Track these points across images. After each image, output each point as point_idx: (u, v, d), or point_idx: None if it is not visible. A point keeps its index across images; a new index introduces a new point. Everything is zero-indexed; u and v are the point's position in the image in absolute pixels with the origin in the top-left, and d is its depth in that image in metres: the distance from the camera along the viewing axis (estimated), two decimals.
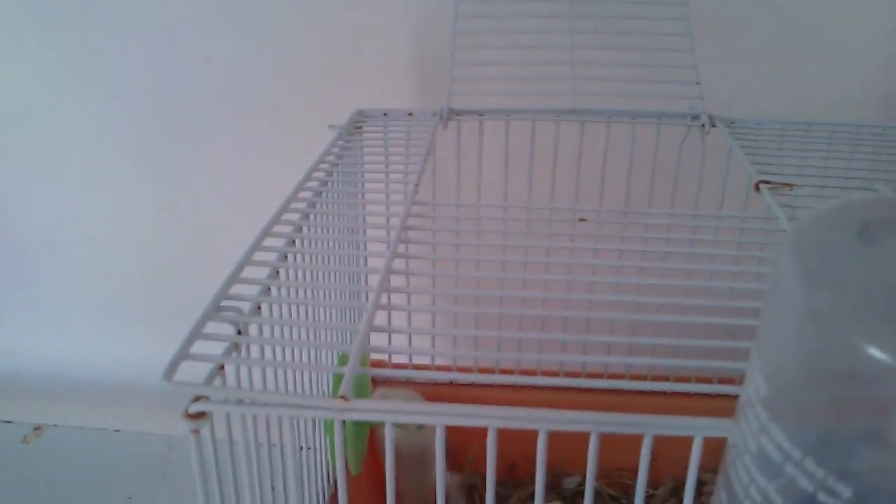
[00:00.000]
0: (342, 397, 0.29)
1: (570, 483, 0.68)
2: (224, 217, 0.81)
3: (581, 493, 0.68)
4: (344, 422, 0.45)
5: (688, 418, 0.29)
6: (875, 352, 0.18)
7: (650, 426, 0.29)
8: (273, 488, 0.38)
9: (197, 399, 0.31)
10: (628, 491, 0.68)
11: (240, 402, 0.30)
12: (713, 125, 0.58)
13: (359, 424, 0.49)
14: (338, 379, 0.52)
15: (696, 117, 0.59)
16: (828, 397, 0.20)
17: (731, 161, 0.58)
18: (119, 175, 0.81)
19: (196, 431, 0.31)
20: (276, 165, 0.75)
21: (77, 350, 0.90)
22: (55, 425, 0.85)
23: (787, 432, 0.21)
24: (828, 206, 0.23)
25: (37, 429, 0.84)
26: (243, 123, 0.76)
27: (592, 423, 0.29)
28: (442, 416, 0.29)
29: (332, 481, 0.56)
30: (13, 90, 0.78)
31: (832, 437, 0.20)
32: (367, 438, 0.53)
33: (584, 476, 0.68)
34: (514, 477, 0.67)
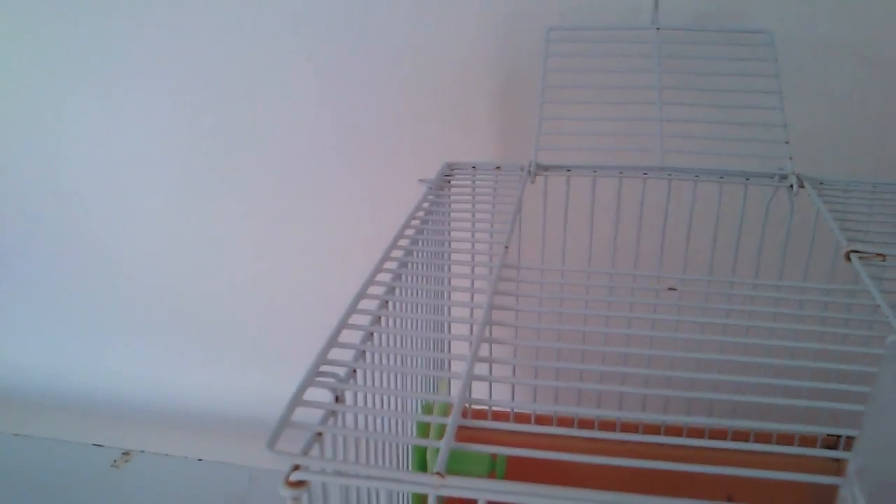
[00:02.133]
0: (438, 474, 0.30)
1: None
2: (314, 261, 0.83)
3: None
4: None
5: None
6: None
7: None
8: None
9: (296, 468, 0.32)
10: None
11: (338, 473, 0.31)
12: (801, 186, 0.58)
13: None
14: (422, 428, 0.53)
15: (783, 177, 0.59)
16: None
17: (818, 224, 0.57)
18: (219, 217, 0.84)
19: (297, 499, 0.32)
20: (367, 212, 0.78)
21: (166, 378, 0.94)
22: (142, 451, 0.87)
23: None
24: None
25: (125, 454, 0.87)
26: (333, 173, 0.79)
27: None
28: (532, 498, 0.30)
29: None
30: (101, 127, 0.82)
31: None
32: None
33: None
34: None
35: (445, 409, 0.53)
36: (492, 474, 0.50)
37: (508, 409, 0.67)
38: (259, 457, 0.85)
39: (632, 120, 0.60)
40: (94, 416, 0.95)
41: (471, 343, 0.38)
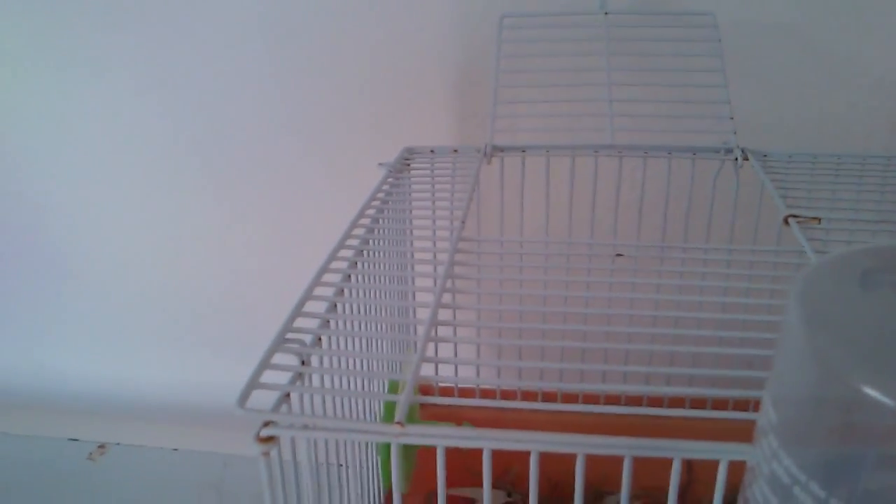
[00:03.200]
0: (398, 423, 0.32)
1: (611, 501, 0.70)
2: (279, 249, 0.85)
3: None
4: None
5: (714, 443, 0.32)
6: (869, 390, 0.21)
7: (679, 450, 0.32)
8: None
9: (267, 424, 0.34)
10: None
11: (305, 427, 0.33)
12: (745, 159, 0.61)
13: (408, 446, 0.52)
14: (389, 405, 0.55)
15: (729, 151, 0.62)
16: (829, 428, 0.23)
17: (764, 194, 0.60)
18: (181, 205, 0.85)
19: (266, 454, 0.34)
20: (327, 200, 0.79)
21: (139, 373, 0.95)
22: (118, 443, 0.89)
23: (795, 458, 0.24)
24: (833, 255, 0.26)
25: (101, 446, 0.88)
26: (294, 163, 0.80)
27: (626, 448, 0.32)
28: (489, 441, 0.32)
29: (381, 499, 0.59)
30: (82, 119, 0.83)
31: (834, 463, 0.23)
32: (415, 458, 0.56)
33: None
34: (557, 495, 0.69)
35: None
36: None
37: (473, 385, 0.70)
38: (232, 444, 0.87)
39: (583, 101, 0.63)
40: (70, 411, 0.96)
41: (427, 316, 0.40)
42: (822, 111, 0.72)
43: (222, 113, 0.79)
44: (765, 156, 0.62)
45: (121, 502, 0.82)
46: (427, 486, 0.65)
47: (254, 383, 0.35)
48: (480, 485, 0.49)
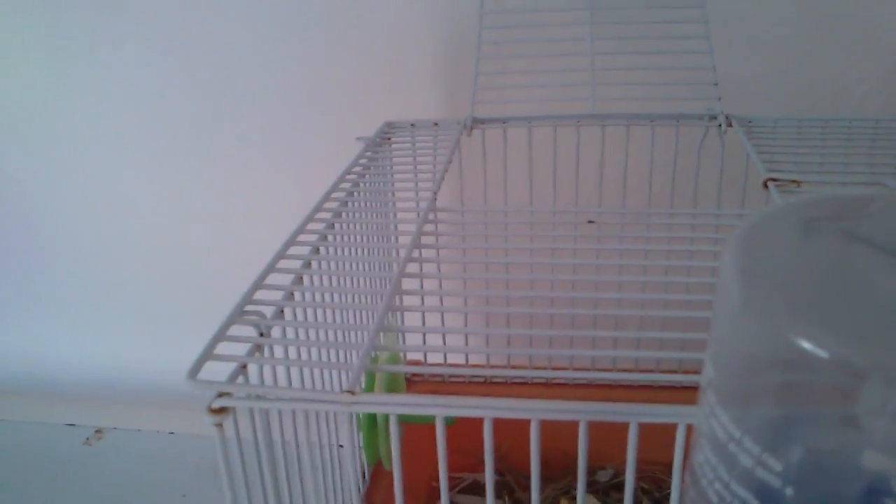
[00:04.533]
0: (349, 392, 0.32)
1: (603, 476, 0.70)
2: (260, 230, 0.84)
3: (614, 487, 0.70)
4: (376, 418, 0.48)
5: (671, 406, 0.31)
6: (801, 342, 0.20)
7: (636, 414, 0.31)
8: (301, 480, 0.41)
9: (220, 395, 0.33)
10: (661, 485, 0.69)
11: (257, 397, 0.33)
12: (730, 125, 0.60)
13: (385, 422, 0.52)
14: (370, 379, 0.55)
15: (713, 117, 0.61)
16: (763, 383, 0.22)
17: (750, 160, 0.59)
18: (162, 186, 0.85)
19: (219, 425, 0.33)
20: (307, 177, 0.79)
21: (135, 357, 0.95)
22: (115, 428, 0.89)
23: (730, 414, 0.23)
24: (775, 205, 0.25)
25: (98, 431, 0.88)
26: (275, 136, 0.80)
27: (581, 413, 0.31)
28: (441, 408, 0.32)
29: (367, 477, 0.59)
30: (61, 98, 0.83)
31: (769, 417, 0.22)
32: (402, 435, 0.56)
33: (616, 470, 0.70)
34: (547, 471, 0.69)
35: (391, 354, 0.55)
36: None
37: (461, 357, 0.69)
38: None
39: (566, 71, 0.62)
40: (66, 397, 0.96)
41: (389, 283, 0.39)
42: (816, 76, 0.70)
43: (195, 89, 0.79)
44: (749, 122, 0.61)
45: (118, 486, 0.81)
46: (424, 468, 0.65)
47: (207, 355, 0.34)
48: (475, 468, 0.48)
